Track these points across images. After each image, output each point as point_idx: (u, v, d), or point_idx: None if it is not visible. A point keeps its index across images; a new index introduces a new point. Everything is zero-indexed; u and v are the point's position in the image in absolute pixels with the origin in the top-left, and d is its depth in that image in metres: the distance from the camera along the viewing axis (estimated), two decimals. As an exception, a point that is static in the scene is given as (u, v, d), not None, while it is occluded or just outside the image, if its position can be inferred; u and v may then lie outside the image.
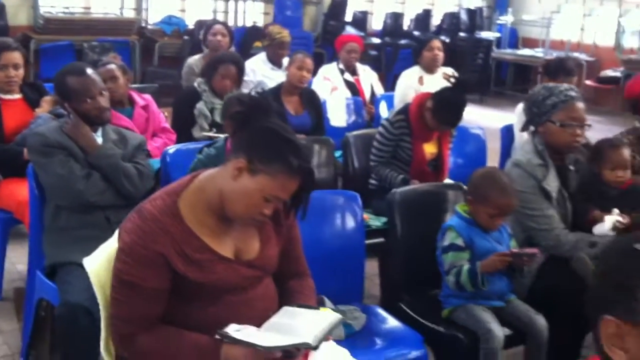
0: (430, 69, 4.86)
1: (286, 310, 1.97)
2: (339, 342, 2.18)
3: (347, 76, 5.39)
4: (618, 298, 1.04)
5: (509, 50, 10.96)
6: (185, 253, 1.78)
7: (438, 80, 4.90)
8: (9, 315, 3.27)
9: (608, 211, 2.68)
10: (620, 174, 2.76)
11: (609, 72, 10.15)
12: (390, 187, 3.05)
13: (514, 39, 11.56)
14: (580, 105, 2.76)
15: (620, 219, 2.61)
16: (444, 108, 3.32)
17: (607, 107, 9.86)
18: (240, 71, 4.13)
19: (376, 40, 10.16)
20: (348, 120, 4.91)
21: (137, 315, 1.79)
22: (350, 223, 2.62)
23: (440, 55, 4.93)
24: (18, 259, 3.71)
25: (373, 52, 9.88)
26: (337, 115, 4.81)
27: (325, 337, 1.87)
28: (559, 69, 4.15)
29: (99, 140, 2.77)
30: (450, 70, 5.09)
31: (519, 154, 2.83)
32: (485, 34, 11.12)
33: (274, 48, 5.20)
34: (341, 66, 5.42)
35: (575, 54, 10.39)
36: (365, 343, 2.43)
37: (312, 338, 1.81)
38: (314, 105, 4.42)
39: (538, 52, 10.63)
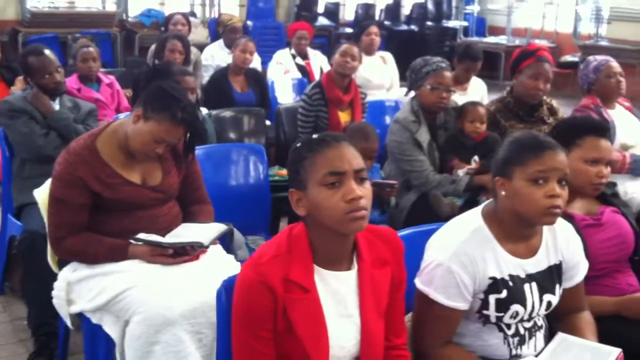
0: (368, 51, 5.46)
1: (185, 225, 2.62)
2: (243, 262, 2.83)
3: (299, 60, 6.02)
4: None
5: (475, 38, 11.53)
6: (99, 177, 2.41)
7: (375, 61, 5.55)
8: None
9: (467, 159, 3.31)
10: (477, 125, 3.38)
11: (568, 58, 10.73)
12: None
13: (482, 27, 12.17)
14: (448, 73, 3.38)
15: (473, 165, 3.25)
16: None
17: (566, 90, 10.43)
18: (186, 46, 4.81)
19: (349, 30, 10.76)
20: (295, 98, 5.52)
21: (65, 223, 2.42)
22: (255, 169, 3.25)
23: (377, 39, 5.55)
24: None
25: (344, 41, 10.47)
26: (284, 93, 5.43)
27: (214, 242, 2.50)
28: (464, 54, 4.75)
29: (56, 107, 3.40)
30: (387, 55, 5.73)
31: (399, 113, 3.46)
32: (452, 23, 11.72)
33: (227, 34, 5.82)
34: (293, 51, 6.05)
35: (537, 41, 10.99)
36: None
37: (204, 239, 2.45)
38: (259, 83, 5.06)
39: (502, 40, 11.24)
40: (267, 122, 4.69)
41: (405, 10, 11.81)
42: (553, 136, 2.36)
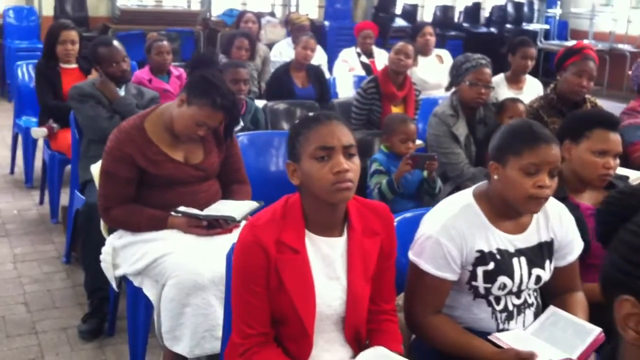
0: (423, 52, 5.57)
1: (222, 201, 2.85)
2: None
3: (364, 58, 6.19)
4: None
5: (555, 42, 11.39)
6: (145, 154, 2.67)
7: (431, 61, 5.65)
8: (61, 232, 4.28)
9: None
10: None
11: (651, 64, 10.43)
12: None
13: (564, 30, 11.98)
14: (487, 70, 3.49)
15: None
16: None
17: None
18: (252, 43, 5.07)
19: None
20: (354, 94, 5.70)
21: (113, 195, 2.69)
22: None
23: (432, 39, 5.63)
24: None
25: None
26: (345, 89, 5.60)
27: (246, 217, 2.72)
28: (517, 44, 4.80)
29: (122, 93, 3.71)
30: (444, 53, 5.83)
31: (438, 107, 3.59)
32: (533, 26, 11.59)
33: (295, 32, 6.06)
34: (358, 50, 6.23)
35: (620, 45, 10.76)
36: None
37: (237, 214, 2.67)
38: (319, 79, 5.26)
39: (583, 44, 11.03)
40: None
41: (485, 12, 11.77)
42: (564, 128, 2.47)
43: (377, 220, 1.88)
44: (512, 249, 2.00)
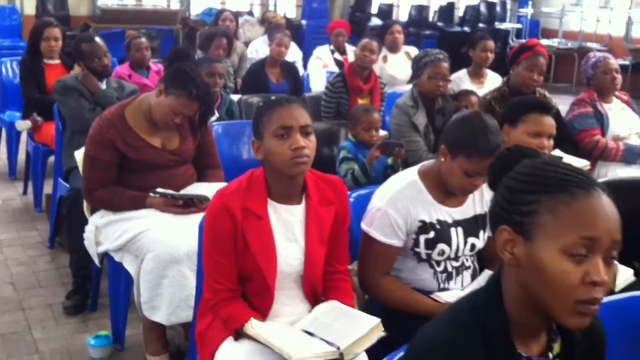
0: (392, 49, 5.84)
1: (197, 183, 3.09)
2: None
3: (337, 55, 6.45)
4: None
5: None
6: (126, 140, 2.90)
7: (400, 58, 5.92)
8: (44, 220, 4.49)
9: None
10: (473, 112, 3.74)
11: (619, 61, 10.79)
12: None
13: (535, 29, 12.32)
14: (444, 64, 3.75)
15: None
16: None
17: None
18: (229, 42, 5.30)
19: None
20: (325, 88, 5.96)
21: (96, 177, 2.92)
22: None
23: (400, 37, 5.90)
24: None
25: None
26: (318, 84, 5.86)
27: None
28: (477, 38, 5.11)
29: (103, 86, 3.93)
30: (412, 49, 6.10)
31: (400, 99, 3.85)
32: (505, 25, 11.92)
33: (271, 30, 6.31)
34: (331, 47, 6.49)
35: (589, 44, 11.12)
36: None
37: (210, 194, 2.88)
38: (293, 75, 5.52)
39: (554, 43, 11.39)
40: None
41: (459, 12, 12.08)
42: (503, 114, 2.73)
43: (331, 191, 2.13)
44: (450, 220, 2.26)
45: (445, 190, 2.25)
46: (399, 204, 2.20)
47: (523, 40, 11.63)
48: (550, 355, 1.27)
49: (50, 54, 4.75)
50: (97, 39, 3.98)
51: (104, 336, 2.99)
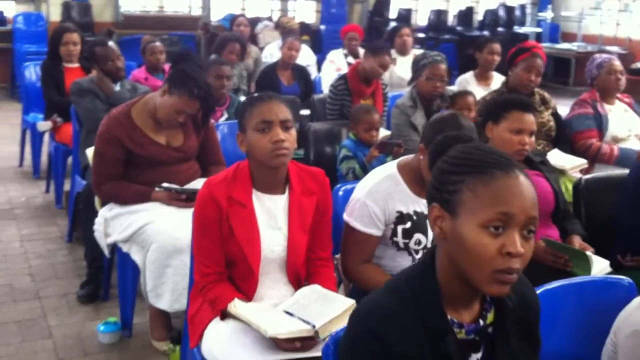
0: (401, 52, 5.98)
1: (201, 179, 3.26)
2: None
3: (350, 59, 6.59)
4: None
5: (546, 44, 11.74)
6: (132, 137, 3.09)
7: (409, 60, 6.02)
8: (64, 216, 4.71)
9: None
10: (465, 113, 3.84)
11: (639, 64, 10.79)
12: None
13: (555, 33, 12.35)
14: (442, 66, 3.90)
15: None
16: None
17: (638, 96, 10.51)
18: (242, 46, 5.48)
19: (420, 35, 11.22)
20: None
21: (104, 172, 3.11)
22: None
23: (409, 40, 6.03)
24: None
25: (416, 46, 10.97)
26: (328, 86, 6.00)
27: None
28: (483, 41, 5.23)
29: (117, 88, 4.14)
30: (421, 52, 6.22)
31: (399, 99, 4.00)
32: (525, 29, 11.97)
33: (285, 35, 6.48)
34: (345, 51, 6.64)
35: (609, 47, 11.11)
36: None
37: None
38: (304, 78, 5.69)
39: (573, 46, 11.42)
40: (308, 111, 5.29)
41: (478, 16, 12.15)
42: (487, 111, 2.86)
43: (313, 183, 2.29)
44: (426, 212, 2.39)
45: (423, 183, 2.38)
46: (377, 195, 2.35)
47: (545, 44, 11.70)
48: (481, 322, 1.41)
49: (69, 57, 4.97)
50: (111, 43, 4.19)
51: (113, 323, 3.18)
